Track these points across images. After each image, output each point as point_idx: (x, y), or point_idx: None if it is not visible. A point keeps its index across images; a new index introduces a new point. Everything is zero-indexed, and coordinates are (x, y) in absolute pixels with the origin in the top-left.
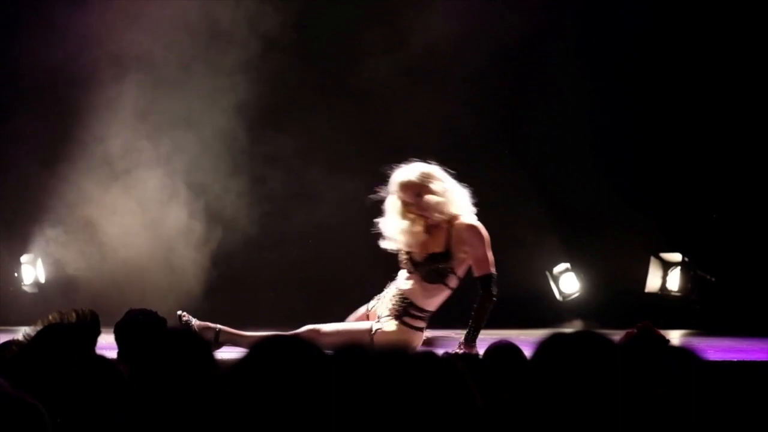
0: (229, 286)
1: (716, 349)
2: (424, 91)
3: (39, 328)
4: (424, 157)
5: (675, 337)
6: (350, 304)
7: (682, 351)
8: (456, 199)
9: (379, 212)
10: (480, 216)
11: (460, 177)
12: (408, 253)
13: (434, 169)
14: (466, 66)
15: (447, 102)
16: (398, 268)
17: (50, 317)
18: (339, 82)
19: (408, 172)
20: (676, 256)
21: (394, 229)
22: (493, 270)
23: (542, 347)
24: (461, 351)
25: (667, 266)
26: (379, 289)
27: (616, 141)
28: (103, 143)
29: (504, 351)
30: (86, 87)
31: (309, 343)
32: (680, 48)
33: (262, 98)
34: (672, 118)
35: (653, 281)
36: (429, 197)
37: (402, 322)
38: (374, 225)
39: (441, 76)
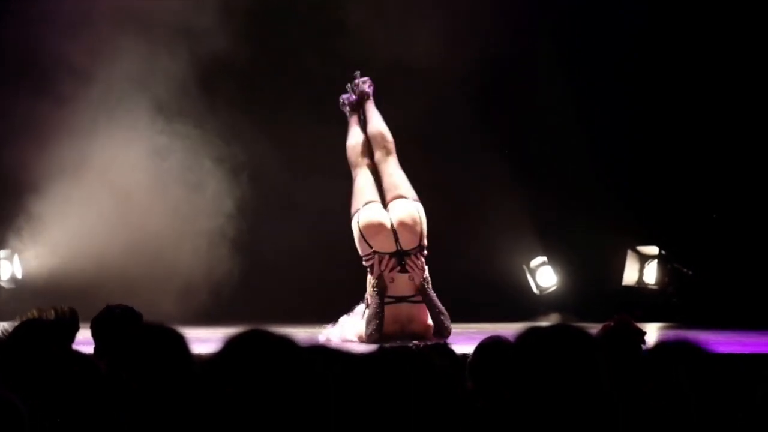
0: (218, 282)
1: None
2: (417, 88)
3: (17, 323)
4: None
5: (652, 330)
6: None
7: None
8: None
9: None
10: (457, 208)
11: (440, 168)
12: None
13: None
14: (460, 62)
15: (436, 94)
16: None
17: (29, 313)
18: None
19: None
20: (653, 249)
21: None
22: None
23: (519, 341)
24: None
25: (644, 259)
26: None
27: (596, 135)
28: (77, 132)
29: (494, 347)
30: (55, 74)
31: (285, 337)
32: (680, 48)
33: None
34: (653, 114)
35: (630, 274)
36: None
37: None
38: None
39: (434, 70)
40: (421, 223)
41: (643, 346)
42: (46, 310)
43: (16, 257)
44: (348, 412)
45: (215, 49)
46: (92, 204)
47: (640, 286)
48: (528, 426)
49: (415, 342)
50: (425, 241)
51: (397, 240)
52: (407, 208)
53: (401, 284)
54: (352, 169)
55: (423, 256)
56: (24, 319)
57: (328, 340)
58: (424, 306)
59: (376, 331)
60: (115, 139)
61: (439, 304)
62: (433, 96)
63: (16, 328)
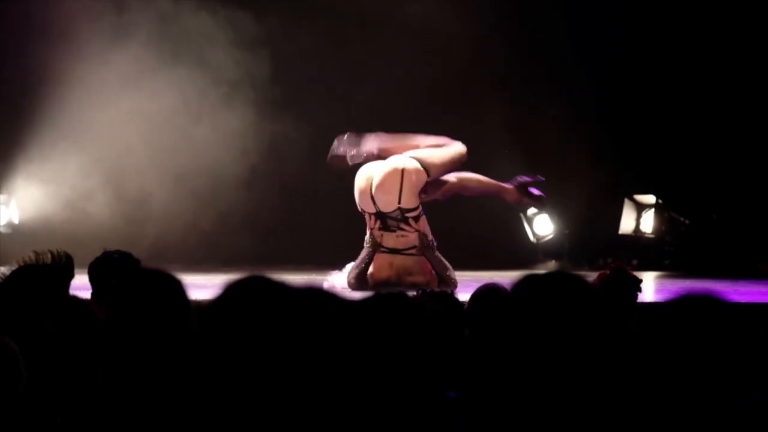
0: (208, 230)
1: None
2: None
3: (14, 267)
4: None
5: (648, 278)
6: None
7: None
8: None
9: None
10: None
11: (439, 116)
12: None
13: None
14: (466, 40)
15: (442, 57)
16: None
17: (26, 257)
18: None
19: None
20: (650, 198)
21: None
22: None
23: (516, 289)
24: None
25: (641, 208)
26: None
27: (595, 81)
28: (77, 75)
29: (491, 295)
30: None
31: (281, 283)
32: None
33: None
34: (651, 60)
35: (627, 223)
36: None
37: None
38: None
39: (445, 35)
40: (400, 186)
41: (639, 294)
42: (42, 254)
43: (13, 202)
44: (342, 357)
45: None
46: (87, 149)
47: (637, 235)
48: (525, 372)
49: (421, 289)
50: (410, 205)
51: (375, 202)
52: (388, 171)
53: (391, 240)
54: None
55: (411, 219)
56: (21, 262)
57: (333, 286)
58: (422, 258)
59: (355, 279)
60: (106, 87)
61: (442, 260)
62: (430, 44)
63: (13, 272)
